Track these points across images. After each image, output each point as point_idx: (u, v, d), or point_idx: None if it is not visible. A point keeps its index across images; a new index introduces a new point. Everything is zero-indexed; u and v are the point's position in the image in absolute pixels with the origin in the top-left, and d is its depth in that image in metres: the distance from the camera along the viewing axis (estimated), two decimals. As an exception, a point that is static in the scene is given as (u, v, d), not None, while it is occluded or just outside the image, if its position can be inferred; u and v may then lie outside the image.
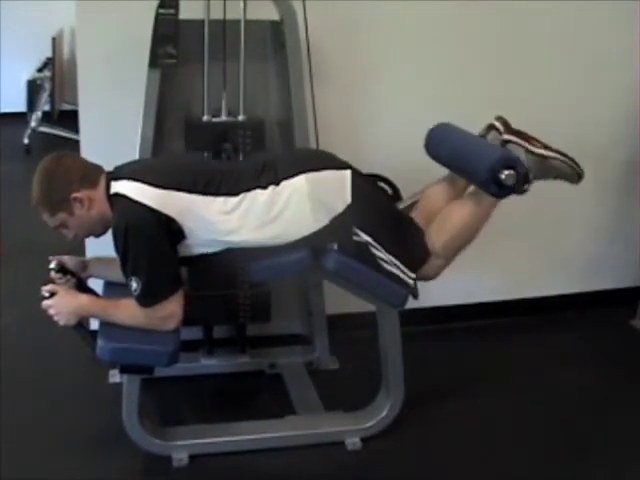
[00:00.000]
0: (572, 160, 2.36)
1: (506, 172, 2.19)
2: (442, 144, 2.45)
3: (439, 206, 2.41)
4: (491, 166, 2.19)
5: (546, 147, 2.35)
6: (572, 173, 2.37)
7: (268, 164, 2.27)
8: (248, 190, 2.20)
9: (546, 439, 2.55)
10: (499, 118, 2.42)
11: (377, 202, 2.35)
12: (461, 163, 2.36)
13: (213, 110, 2.62)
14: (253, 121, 2.66)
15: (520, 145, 2.34)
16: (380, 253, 2.23)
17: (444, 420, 2.63)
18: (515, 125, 3.09)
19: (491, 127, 2.42)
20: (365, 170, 2.38)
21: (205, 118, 2.62)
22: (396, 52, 2.93)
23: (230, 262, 2.33)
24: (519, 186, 2.25)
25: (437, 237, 2.31)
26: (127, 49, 2.65)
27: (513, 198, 3.20)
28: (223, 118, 2.64)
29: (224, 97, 2.62)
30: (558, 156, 2.34)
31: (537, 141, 2.36)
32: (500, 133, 2.38)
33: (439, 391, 2.78)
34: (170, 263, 2.18)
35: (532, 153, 2.33)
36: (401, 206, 2.49)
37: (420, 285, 2.31)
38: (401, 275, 2.26)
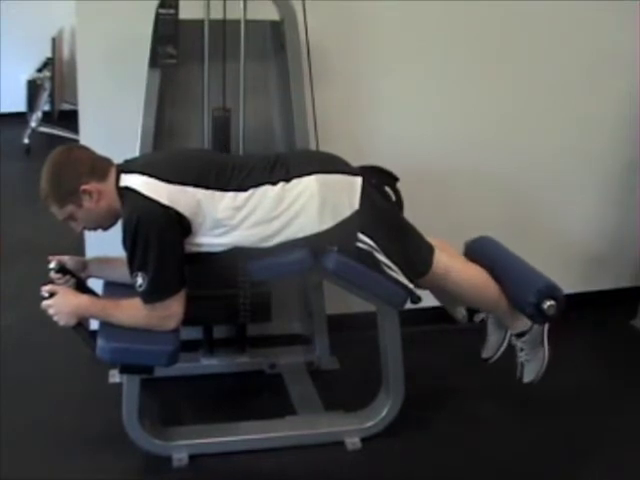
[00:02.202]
0: (545, 370, 2.47)
1: (549, 303, 2.28)
2: (484, 257, 2.52)
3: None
4: (538, 292, 2.29)
5: (548, 338, 2.45)
6: (533, 374, 2.50)
7: (280, 161, 2.27)
8: (258, 186, 2.20)
9: (546, 438, 2.55)
10: None
11: (385, 211, 2.35)
12: (503, 280, 2.43)
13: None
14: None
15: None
16: (384, 258, 2.24)
17: (444, 420, 2.63)
18: (516, 124, 3.12)
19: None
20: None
21: None
22: (396, 52, 2.92)
23: (230, 262, 2.33)
24: (548, 320, 2.36)
25: (454, 261, 2.41)
26: (127, 49, 2.64)
27: (513, 198, 3.23)
28: None
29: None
30: (546, 353, 2.45)
31: (551, 333, 2.46)
32: None
33: (439, 391, 2.78)
34: (177, 261, 2.17)
35: (542, 334, 2.45)
36: None
37: (421, 285, 2.32)
38: (402, 279, 2.28)
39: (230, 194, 2.19)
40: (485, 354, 2.61)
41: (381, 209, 2.33)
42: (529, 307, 2.33)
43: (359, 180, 2.26)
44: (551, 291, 2.31)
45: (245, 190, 2.20)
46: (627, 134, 3.28)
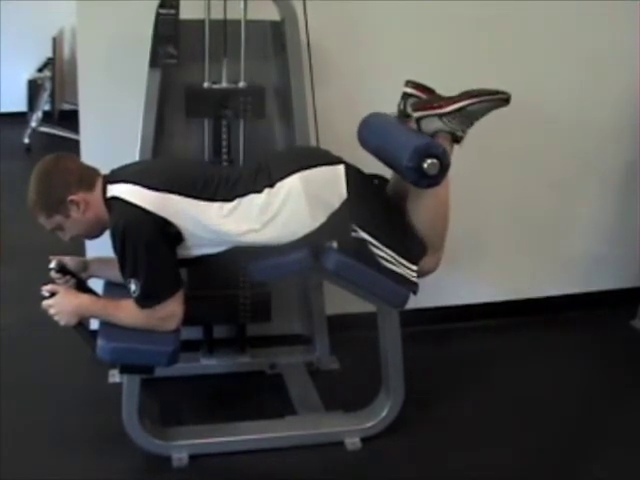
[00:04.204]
0: (488, 93, 2.26)
1: (428, 161, 2.14)
2: (369, 137, 2.43)
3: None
4: (409, 159, 2.14)
5: (456, 100, 2.26)
6: (497, 103, 2.28)
7: (261, 167, 2.27)
8: (243, 195, 2.20)
9: (546, 439, 2.55)
10: (408, 82, 2.38)
11: (373, 195, 2.33)
12: (386, 157, 2.33)
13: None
14: (253, 88, 2.65)
15: (431, 115, 2.28)
16: (379, 251, 2.22)
17: (444, 420, 2.63)
18: (516, 124, 3.11)
19: (406, 96, 2.39)
20: (366, 170, 2.37)
21: (206, 85, 2.62)
22: (396, 52, 2.92)
23: (230, 262, 2.33)
24: (442, 173, 2.18)
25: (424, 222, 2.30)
26: (127, 49, 2.64)
27: (514, 198, 3.23)
28: (224, 85, 2.63)
29: (224, 64, 2.61)
30: (471, 100, 2.25)
31: (445, 99, 2.28)
32: (416, 97, 2.35)
33: (439, 391, 2.78)
34: (168, 264, 2.18)
35: (447, 114, 2.26)
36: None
37: (421, 285, 2.30)
38: (402, 272, 2.25)
39: (216, 204, 2.19)
40: None
41: (369, 193, 2.32)
42: (422, 184, 2.18)
43: (342, 168, 2.25)
44: (428, 149, 2.16)
45: (231, 200, 2.20)
46: (627, 134, 3.29)
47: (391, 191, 2.44)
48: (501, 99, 2.27)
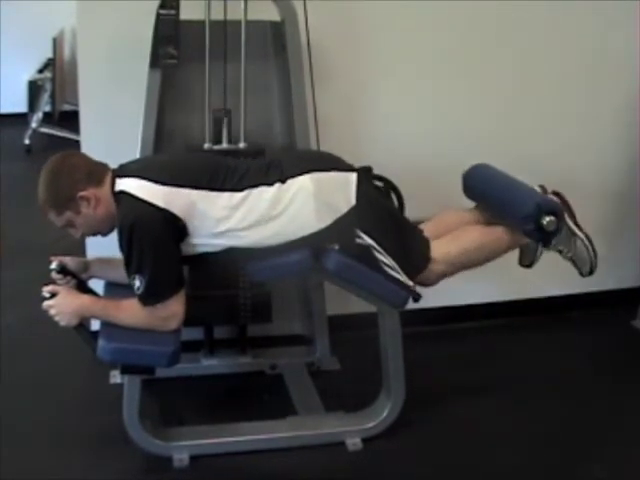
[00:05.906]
0: (594, 251, 2.43)
1: (548, 218, 2.27)
2: (484, 181, 2.53)
3: (457, 222, 2.49)
4: (537, 205, 2.27)
5: (578, 226, 2.44)
6: (587, 263, 2.44)
7: (274, 162, 2.28)
8: (253, 186, 2.21)
9: (546, 439, 2.55)
10: (541, 186, 2.50)
11: (381, 206, 2.36)
12: (504, 198, 2.42)
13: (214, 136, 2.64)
14: (254, 148, 2.66)
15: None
16: (382, 257, 2.24)
17: (444, 420, 2.63)
18: (516, 124, 3.12)
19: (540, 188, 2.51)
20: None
21: (206, 146, 2.63)
22: (396, 52, 2.92)
23: (231, 262, 2.33)
24: (552, 236, 2.32)
25: (449, 245, 2.36)
26: (128, 49, 2.65)
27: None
28: (224, 145, 2.65)
29: (225, 123, 2.63)
30: (585, 239, 2.42)
31: (573, 216, 2.45)
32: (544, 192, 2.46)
33: (440, 391, 2.78)
34: (174, 262, 2.18)
35: (566, 225, 2.40)
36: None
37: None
38: (402, 278, 2.27)
39: (226, 194, 2.20)
40: (524, 262, 2.60)
41: (377, 203, 2.34)
42: (529, 228, 2.32)
43: (354, 176, 2.27)
44: (545, 207, 2.29)
45: (241, 190, 2.20)
46: (627, 134, 3.29)
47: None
48: (590, 265, 2.46)
